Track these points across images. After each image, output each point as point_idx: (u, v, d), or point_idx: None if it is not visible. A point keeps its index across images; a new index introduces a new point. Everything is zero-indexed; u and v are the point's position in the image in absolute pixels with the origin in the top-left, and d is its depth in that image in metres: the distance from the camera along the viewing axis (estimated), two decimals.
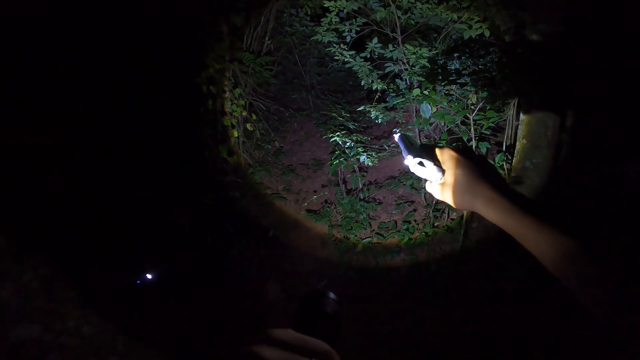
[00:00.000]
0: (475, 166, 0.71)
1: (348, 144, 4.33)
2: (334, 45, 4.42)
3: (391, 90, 4.34)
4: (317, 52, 6.19)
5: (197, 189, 4.30)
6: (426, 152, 0.78)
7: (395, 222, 4.52)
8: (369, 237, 4.30)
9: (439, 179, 0.75)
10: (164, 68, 3.70)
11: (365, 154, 4.17)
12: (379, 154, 4.58)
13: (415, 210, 4.57)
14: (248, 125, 4.70)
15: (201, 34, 3.92)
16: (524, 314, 3.27)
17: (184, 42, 3.80)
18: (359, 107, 4.42)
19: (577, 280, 0.54)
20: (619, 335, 0.48)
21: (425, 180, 0.79)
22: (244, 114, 4.47)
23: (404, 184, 4.43)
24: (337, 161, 4.19)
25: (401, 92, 4.06)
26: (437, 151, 0.78)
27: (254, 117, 4.73)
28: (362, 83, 4.94)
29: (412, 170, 0.77)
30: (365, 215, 4.34)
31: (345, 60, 4.26)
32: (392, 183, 4.69)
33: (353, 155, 4.21)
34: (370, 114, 4.34)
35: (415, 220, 4.43)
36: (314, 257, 4.61)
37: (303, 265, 4.59)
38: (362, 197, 4.62)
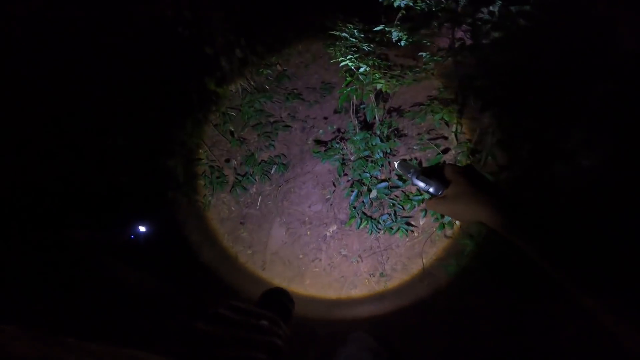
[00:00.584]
0: (476, 180, 0.73)
1: (362, 69, 3.49)
2: None
3: (419, 8, 3.31)
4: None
5: (185, 128, 3.67)
6: (429, 169, 0.80)
7: (419, 160, 3.88)
8: (386, 180, 3.72)
9: (440, 192, 0.76)
10: None
11: (382, 81, 3.36)
12: (401, 81, 3.75)
13: (446, 150, 3.87)
14: (237, 51, 3.82)
15: None
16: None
17: None
18: (376, 27, 3.46)
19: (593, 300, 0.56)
20: None
21: (428, 198, 0.80)
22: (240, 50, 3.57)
23: (432, 116, 3.65)
24: (349, 89, 3.41)
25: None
26: (442, 168, 0.79)
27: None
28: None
29: (415, 184, 0.79)
30: (381, 155, 3.70)
31: None
32: (416, 114, 3.92)
33: (368, 83, 3.42)
34: (391, 34, 3.39)
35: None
36: (321, 199, 4.13)
37: (310, 208, 4.14)
38: (378, 133, 3.92)
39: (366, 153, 3.72)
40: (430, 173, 0.79)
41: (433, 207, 0.79)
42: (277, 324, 0.57)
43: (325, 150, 4.08)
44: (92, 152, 3.08)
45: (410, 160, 3.80)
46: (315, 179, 4.30)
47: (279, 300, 0.70)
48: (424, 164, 3.79)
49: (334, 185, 4.04)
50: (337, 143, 4.08)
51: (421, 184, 0.79)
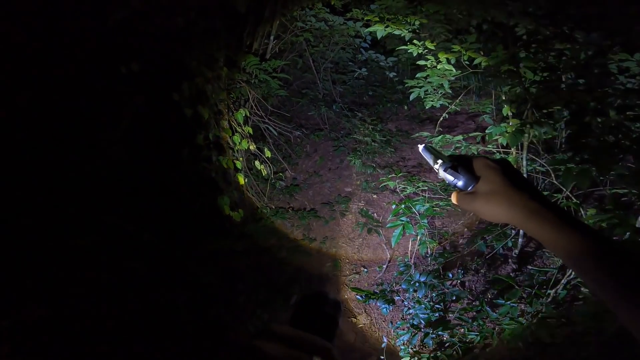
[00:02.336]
0: (513, 176, 0.61)
1: (406, 189, 2.76)
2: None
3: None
4: (332, 56, 4.57)
5: (193, 257, 2.66)
6: (457, 159, 0.67)
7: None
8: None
9: (469, 187, 0.64)
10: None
11: (437, 209, 2.64)
12: (443, 203, 3.07)
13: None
14: (257, 163, 3.03)
15: (183, 27, 2.26)
16: None
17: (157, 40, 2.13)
18: (413, 133, 2.85)
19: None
20: None
21: (453, 191, 0.67)
22: (252, 147, 2.82)
23: (487, 240, 2.89)
24: (401, 225, 2.62)
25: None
26: (472, 160, 0.67)
27: (268, 153, 3.07)
28: (412, 97, 3.44)
29: (441, 177, 0.67)
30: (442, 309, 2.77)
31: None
32: (474, 241, 3.16)
33: (423, 214, 2.66)
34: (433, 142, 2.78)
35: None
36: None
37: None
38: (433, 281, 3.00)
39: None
40: (458, 163, 0.65)
41: (459, 203, 0.65)
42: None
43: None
44: None
45: None
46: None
47: (323, 310, 0.53)
48: None
49: None
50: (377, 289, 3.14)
51: (449, 177, 0.65)
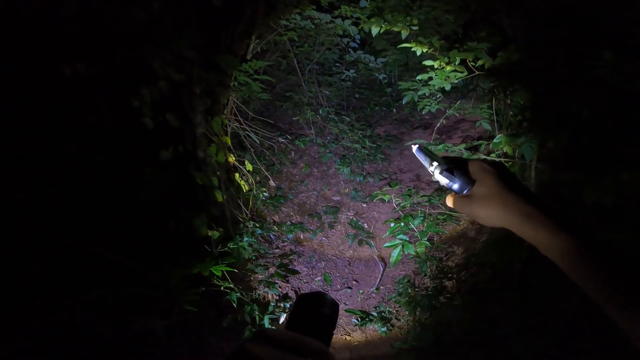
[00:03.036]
0: (508, 180, 0.60)
1: (403, 203, 2.47)
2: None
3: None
4: (318, 57, 4.20)
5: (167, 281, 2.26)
6: (452, 162, 0.65)
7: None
8: None
9: (465, 191, 0.63)
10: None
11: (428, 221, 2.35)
12: (442, 216, 2.79)
13: None
14: (237, 177, 2.64)
15: (145, 21, 1.85)
16: None
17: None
18: (403, 137, 2.56)
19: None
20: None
21: (447, 193, 0.67)
22: (231, 160, 2.43)
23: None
24: (400, 244, 2.30)
25: None
26: (467, 163, 0.65)
27: (249, 166, 2.68)
28: (405, 101, 3.15)
29: (436, 179, 0.64)
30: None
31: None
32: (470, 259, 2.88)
33: (423, 232, 2.36)
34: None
35: None
36: None
37: None
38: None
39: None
40: (454, 166, 0.64)
41: (455, 206, 0.64)
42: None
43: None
44: None
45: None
46: None
47: (318, 310, 0.50)
48: None
49: None
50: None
51: (444, 180, 0.63)
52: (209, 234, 2.55)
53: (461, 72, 1.98)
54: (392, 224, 2.49)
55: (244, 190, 2.69)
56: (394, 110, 4.74)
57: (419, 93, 2.71)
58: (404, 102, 3.27)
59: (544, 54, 2.04)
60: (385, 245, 2.58)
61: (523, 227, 0.55)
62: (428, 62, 2.05)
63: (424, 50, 2.10)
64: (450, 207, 0.66)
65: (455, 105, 2.86)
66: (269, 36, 3.46)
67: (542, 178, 2.48)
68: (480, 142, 2.63)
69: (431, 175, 0.64)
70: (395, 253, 2.51)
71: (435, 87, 2.33)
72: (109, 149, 2.00)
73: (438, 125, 2.99)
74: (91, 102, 1.76)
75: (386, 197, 2.77)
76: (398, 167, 4.54)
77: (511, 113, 2.33)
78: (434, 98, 2.89)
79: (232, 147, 2.65)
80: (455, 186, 0.64)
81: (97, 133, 1.97)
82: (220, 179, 2.63)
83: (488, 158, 2.82)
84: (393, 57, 4.33)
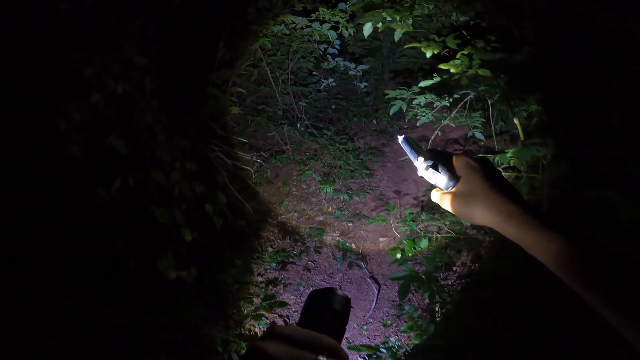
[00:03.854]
0: (493, 177, 0.58)
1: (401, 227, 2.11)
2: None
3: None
4: (292, 65, 3.76)
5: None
6: (438, 156, 0.63)
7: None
8: None
9: (450, 187, 0.61)
10: None
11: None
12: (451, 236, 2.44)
13: None
14: (208, 208, 2.13)
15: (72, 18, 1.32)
16: None
17: None
18: (384, 149, 2.28)
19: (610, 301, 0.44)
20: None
21: (432, 188, 0.65)
22: (199, 190, 1.92)
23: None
24: (408, 276, 1.90)
25: None
26: (451, 158, 0.63)
27: (222, 197, 2.17)
28: (392, 112, 2.82)
29: (420, 174, 0.62)
30: None
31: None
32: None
33: (430, 258, 1.98)
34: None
35: None
36: None
37: None
38: None
39: None
40: (439, 160, 0.61)
41: (438, 201, 0.63)
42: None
43: None
44: None
45: None
46: None
47: (330, 306, 0.48)
48: None
49: None
50: None
51: (430, 176, 0.61)
52: (179, 275, 2.01)
53: (488, 75, 1.64)
54: (398, 255, 2.08)
55: (218, 225, 2.16)
56: (374, 120, 4.40)
57: (415, 102, 2.37)
58: (391, 112, 2.93)
59: (561, 57, 1.76)
60: (390, 277, 2.16)
61: (506, 226, 0.53)
62: (444, 66, 1.69)
63: (435, 52, 1.74)
64: (434, 202, 0.63)
65: (451, 115, 2.55)
66: (237, 43, 2.98)
67: (555, 192, 2.21)
68: (490, 155, 2.32)
69: (416, 170, 0.62)
70: (404, 286, 2.11)
71: (446, 97, 1.99)
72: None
73: (433, 137, 2.67)
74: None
75: (382, 222, 2.37)
76: (380, 180, 4.20)
77: (516, 122, 2.03)
78: (426, 108, 2.57)
79: (199, 172, 2.12)
80: (440, 182, 0.60)
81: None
82: (188, 212, 2.09)
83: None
84: (377, 63, 4.01)
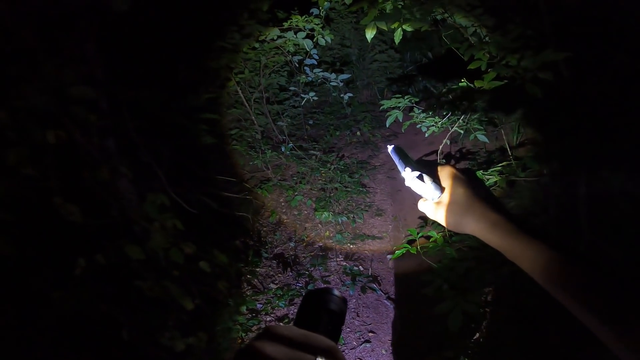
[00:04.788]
0: (477, 187, 0.60)
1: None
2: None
3: None
4: (264, 82, 3.27)
5: None
6: (425, 167, 0.64)
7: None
8: None
9: (436, 197, 0.61)
10: None
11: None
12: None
13: None
14: (202, 265, 1.57)
15: None
16: None
17: None
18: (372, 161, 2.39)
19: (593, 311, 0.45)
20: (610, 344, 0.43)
21: (419, 198, 0.65)
22: (190, 250, 1.37)
23: None
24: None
25: None
26: (437, 168, 0.64)
27: (223, 258, 1.63)
28: (388, 123, 2.49)
29: (407, 185, 0.63)
30: None
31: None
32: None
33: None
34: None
35: None
36: None
37: None
38: None
39: None
40: (425, 171, 0.62)
41: (425, 210, 0.64)
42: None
43: None
44: None
45: None
46: None
47: (326, 306, 0.46)
48: None
49: None
50: None
51: (417, 187, 0.61)
52: (189, 342, 1.45)
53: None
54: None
55: (223, 288, 1.62)
56: (358, 132, 4.03)
57: (419, 112, 2.02)
58: (387, 124, 2.57)
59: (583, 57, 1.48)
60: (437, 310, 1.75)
61: (490, 235, 0.54)
62: (476, 64, 1.31)
63: (474, 54, 1.38)
64: (421, 212, 0.64)
65: (455, 119, 2.23)
66: (201, 61, 2.46)
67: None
68: (505, 162, 2.01)
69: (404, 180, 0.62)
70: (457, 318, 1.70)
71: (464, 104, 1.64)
72: None
73: (441, 146, 2.34)
74: None
75: (413, 251, 1.97)
76: (374, 194, 3.82)
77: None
78: (430, 117, 2.23)
79: (183, 227, 1.57)
80: (426, 193, 0.61)
81: None
82: (181, 277, 1.53)
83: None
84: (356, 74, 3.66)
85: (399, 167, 0.64)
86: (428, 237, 2.11)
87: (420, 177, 0.61)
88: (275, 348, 0.34)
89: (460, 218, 0.58)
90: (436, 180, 0.61)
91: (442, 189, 0.60)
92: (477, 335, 2.15)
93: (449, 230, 2.35)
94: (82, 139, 1.07)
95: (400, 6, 1.38)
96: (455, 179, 0.60)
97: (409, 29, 1.53)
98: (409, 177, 0.61)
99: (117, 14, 1.56)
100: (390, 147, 0.67)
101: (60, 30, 1.41)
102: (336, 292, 0.48)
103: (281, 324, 2.93)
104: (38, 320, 1.28)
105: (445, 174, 0.61)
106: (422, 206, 0.64)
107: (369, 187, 3.84)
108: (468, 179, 0.60)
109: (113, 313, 1.22)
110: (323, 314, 0.45)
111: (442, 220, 0.60)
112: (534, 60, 1.22)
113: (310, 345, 0.36)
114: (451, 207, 0.59)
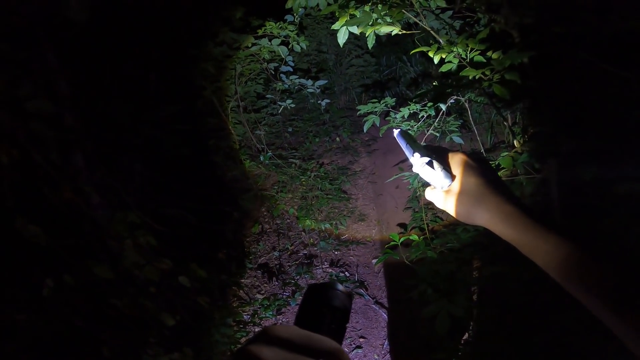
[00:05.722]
0: (490, 176, 0.56)
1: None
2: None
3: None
4: (240, 90, 3.22)
5: None
6: (434, 152, 0.59)
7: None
8: None
9: (445, 185, 0.58)
10: None
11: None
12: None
13: None
14: (182, 280, 1.51)
15: None
16: None
17: None
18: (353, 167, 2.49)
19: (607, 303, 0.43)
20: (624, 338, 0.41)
21: (427, 185, 0.61)
22: (165, 266, 1.31)
23: None
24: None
25: None
26: (447, 154, 0.60)
27: (201, 272, 1.57)
28: (365, 129, 2.53)
29: (415, 171, 0.59)
30: None
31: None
32: None
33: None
34: None
35: None
36: None
37: None
38: None
39: None
40: (435, 157, 0.58)
41: (434, 200, 0.60)
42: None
43: None
44: None
45: None
46: None
47: (329, 303, 0.42)
48: None
49: None
50: None
51: (425, 173, 0.57)
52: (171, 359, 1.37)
53: (516, 81, 1.32)
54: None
55: (204, 304, 1.55)
56: (337, 138, 4.03)
57: (399, 115, 2.04)
58: (365, 129, 2.59)
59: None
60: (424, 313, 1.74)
61: (502, 227, 0.52)
62: (467, 72, 1.32)
63: (443, 56, 1.39)
64: (429, 200, 0.61)
65: (435, 123, 2.27)
66: (174, 71, 2.39)
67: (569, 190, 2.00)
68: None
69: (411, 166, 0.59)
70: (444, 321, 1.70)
71: (432, 106, 1.67)
72: None
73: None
74: None
75: (396, 256, 1.96)
76: (356, 200, 3.83)
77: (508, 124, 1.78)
78: (411, 120, 2.26)
79: (159, 244, 1.49)
80: (436, 180, 0.58)
81: None
82: (159, 292, 1.45)
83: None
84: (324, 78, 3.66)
85: (407, 152, 0.60)
86: (411, 242, 2.12)
87: (429, 164, 0.57)
88: (273, 352, 0.31)
89: (471, 208, 0.55)
90: (446, 167, 0.57)
91: (452, 177, 0.57)
92: (467, 335, 2.16)
93: (453, 224, 2.36)
94: (38, 157, 1.00)
95: (369, 10, 1.39)
96: (467, 166, 0.56)
97: (380, 32, 1.54)
98: (418, 163, 0.58)
99: (78, 25, 1.49)
100: (396, 131, 0.63)
101: (16, 42, 1.33)
102: (340, 287, 0.45)
103: (280, 323, 2.87)
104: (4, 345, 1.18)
105: (456, 161, 0.58)
106: (430, 194, 0.60)
107: (350, 193, 3.84)
108: (480, 168, 0.56)
109: (91, 330, 1.14)
110: (326, 311, 0.42)
111: (451, 210, 0.57)
112: (502, 61, 1.24)
113: (312, 347, 0.34)
114: (462, 197, 0.55)
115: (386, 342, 2.68)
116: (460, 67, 1.49)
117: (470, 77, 1.33)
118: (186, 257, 1.68)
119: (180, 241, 2.03)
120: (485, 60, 1.48)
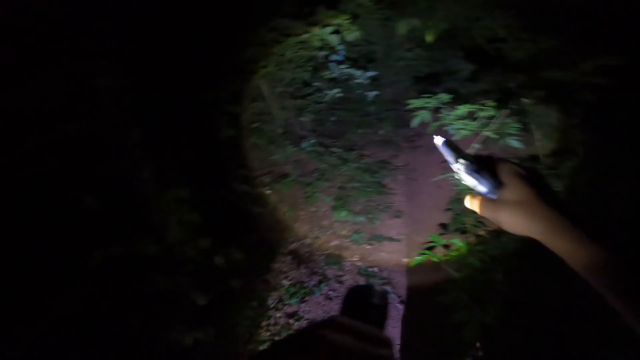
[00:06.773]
0: (543, 188, 0.53)
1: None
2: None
3: None
4: (288, 77, 3.23)
5: None
6: (481, 160, 0.57)
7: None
8: None
9: (491, 194, 0.55)
10: None
11: None
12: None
13: None
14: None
15: None
16: None
17: None
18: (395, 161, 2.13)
19: None
20: None
21: (473, 195, 0.58)
22: (204, 245, 1.36)
23: None
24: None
25: None
26: (496, 163, 0.57)
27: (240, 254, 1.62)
28: (415, 124, 2.41)
29: (460, 178, 0.57)
30: None
31: None
32: None
33: None
34: None
35: None
36: None
37: None
38: None
39: None
40: (481, 165, 0.55)
41: (481, 210, 0.56)
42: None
43: None
44: None
45: None
46: None
47: (370, 301, 0.48)
48: None
49: None
50: None
51: (470, 180, 0.55)
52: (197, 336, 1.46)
53: None
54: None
55: (236, 286, 1.61)
56: (381, 131, 3.93)
57: (454, 113, 1.92)
58: (413, 124, 2.48)
59: None
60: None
61: (551, 238, 0.50)
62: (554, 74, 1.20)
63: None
64: (474, 210, 0.58)
65: (487, 122, 2.11)
66: (228, 53, 2.44)
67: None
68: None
69: (456, 172, 0.56)
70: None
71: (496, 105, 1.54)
72: None
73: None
74: None
75: (435, 258, 1.89)
76: (394, 195, 3.72)
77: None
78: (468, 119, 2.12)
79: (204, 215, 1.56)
80: (482, 188, 0.55)
81: None
82: (196, 271, 1.53)
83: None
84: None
85: (450, 159, 0.57)
86: (447, 245, 2.02)
87: (476, 171, 0.54)
88: (340, 337, 0.35)
89: (520, 219, 0.52)
90: (494, 175, 0.55)
91: (500, 186, 0.54)
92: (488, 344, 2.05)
93: (497, 231, 2.25)
94: (100, 130, 1.08)
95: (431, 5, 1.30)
96: (519, 176, 0.54)
97: (442, 27, 1.44)
98: (463, 169, 0.55)
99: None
100: (440, 141, 0.59)
101: (84, 27, 1.42)
102: (378, 288, 0.50)
103: (303, 311, 2.92)
104: (38, 321, 1.31)
105: (506, 170, 0.55)
106: (475, 204, 0.57)
107: (389, 188, 3.74)
108: (532, 178, 0.54)
109: (121, 310, 1.23)
110: (370, 308, 0.47)
111: (500, 221, 0.55)
112: (591, 64, 1.10)
113: (369, 336, 0.38)
114: (511, 207, 0.53)
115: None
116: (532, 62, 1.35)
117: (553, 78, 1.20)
118: (224, 236, 1.75)
119: (217, 220, 2.11)
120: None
